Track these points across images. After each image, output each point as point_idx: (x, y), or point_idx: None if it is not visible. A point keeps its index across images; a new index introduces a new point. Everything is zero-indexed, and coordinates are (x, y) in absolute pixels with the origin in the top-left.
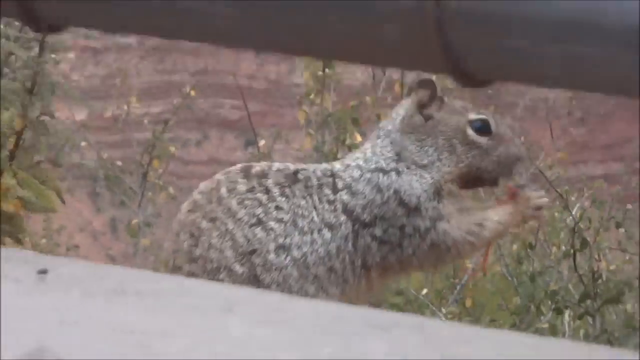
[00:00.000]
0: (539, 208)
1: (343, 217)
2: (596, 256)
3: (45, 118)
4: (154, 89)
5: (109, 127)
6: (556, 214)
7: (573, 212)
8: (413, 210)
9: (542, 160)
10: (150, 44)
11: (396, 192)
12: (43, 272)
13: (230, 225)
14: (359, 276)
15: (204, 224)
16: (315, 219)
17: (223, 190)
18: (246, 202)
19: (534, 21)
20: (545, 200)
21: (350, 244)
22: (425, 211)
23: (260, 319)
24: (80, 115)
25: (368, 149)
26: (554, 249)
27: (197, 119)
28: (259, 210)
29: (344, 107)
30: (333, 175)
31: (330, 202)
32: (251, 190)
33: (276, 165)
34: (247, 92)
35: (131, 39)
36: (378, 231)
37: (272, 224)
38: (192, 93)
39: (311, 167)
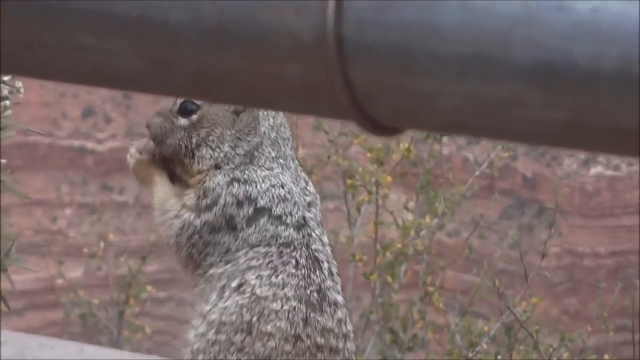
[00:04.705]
0: None
1: None
2: None
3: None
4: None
5: (103, 286)
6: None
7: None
8: None
9: (517, 304)
10: (147, 202)
11: None
12: None
13: None
14: None
15: None
16: None
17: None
18: None
19: (437, 56)
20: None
21: None
22: None
23: None
24: (76, 272)
25: None
26: None
27: None
28: None
29: None
30: None
31: None
32: None
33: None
34: None
35: (128, 197)
36: None
37: None
38: None
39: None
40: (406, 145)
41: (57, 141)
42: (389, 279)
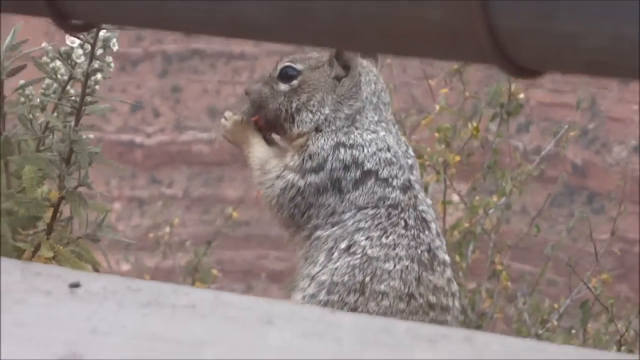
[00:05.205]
0: None
1: None
2: None
3: (83, 189)
4: (200, 240)
5: (153, 278)
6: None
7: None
8: None
9: (588, 280)
10: (196, 195)
11: None
12: (75, 285)
13: None
14: None
15: None
16: None
17: None
18: None
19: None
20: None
21: None
22: None
23: (301, 331)
24: (125, 265)
25: None
26: None
27: (242, 270)
28: None
29: None
30: None
31: None
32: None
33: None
34: None
35: (177, 190)
36: None
37: None
38: (234, 215)
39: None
40: (474, 124)
41: (106, 135)
42: (457, 258)
